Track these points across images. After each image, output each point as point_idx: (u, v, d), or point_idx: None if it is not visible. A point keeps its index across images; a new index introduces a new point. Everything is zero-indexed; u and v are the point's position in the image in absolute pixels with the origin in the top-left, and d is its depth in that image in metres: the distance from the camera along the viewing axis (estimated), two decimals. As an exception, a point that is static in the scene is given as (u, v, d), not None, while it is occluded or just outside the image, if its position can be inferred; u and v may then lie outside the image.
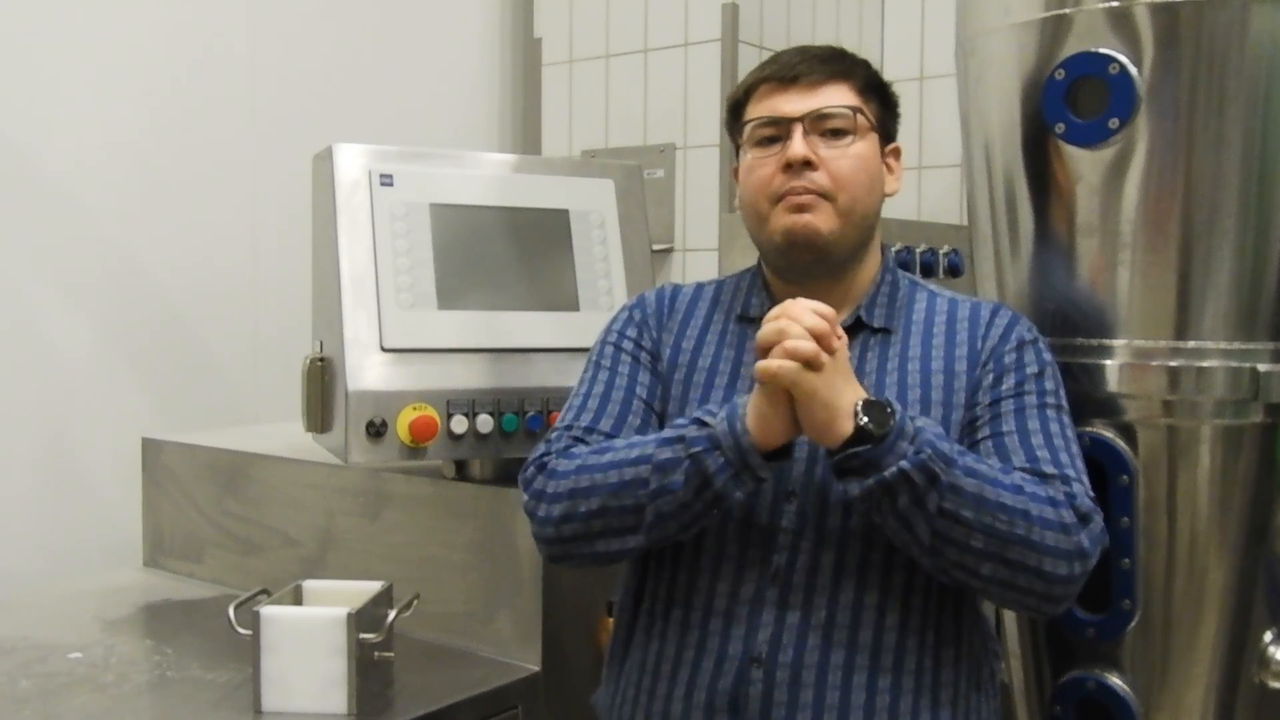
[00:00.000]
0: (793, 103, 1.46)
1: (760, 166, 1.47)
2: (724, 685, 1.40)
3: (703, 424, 1.33)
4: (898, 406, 1.30)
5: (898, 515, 1.29)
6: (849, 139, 1.46)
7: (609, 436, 1.45)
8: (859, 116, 1.46)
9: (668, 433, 1.36)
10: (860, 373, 1.44)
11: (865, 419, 1.28)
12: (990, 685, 1.49)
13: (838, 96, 1.46)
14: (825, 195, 1.44)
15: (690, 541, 1.45)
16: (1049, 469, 1.36)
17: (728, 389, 1.48)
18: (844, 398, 1.29)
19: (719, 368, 1.51)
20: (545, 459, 1.43)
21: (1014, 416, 1.40)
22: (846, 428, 1.28)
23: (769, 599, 1.40)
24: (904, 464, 1.26)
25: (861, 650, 1.38)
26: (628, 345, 1.55)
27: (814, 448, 1.41)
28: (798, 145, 1.44)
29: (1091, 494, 1.37)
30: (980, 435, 1.41)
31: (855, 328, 1.48)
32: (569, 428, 1.47)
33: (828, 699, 1.37)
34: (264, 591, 1.66)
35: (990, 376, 1.43)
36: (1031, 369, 1.44)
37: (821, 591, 1.39)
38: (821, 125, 1.45)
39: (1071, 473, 1.37)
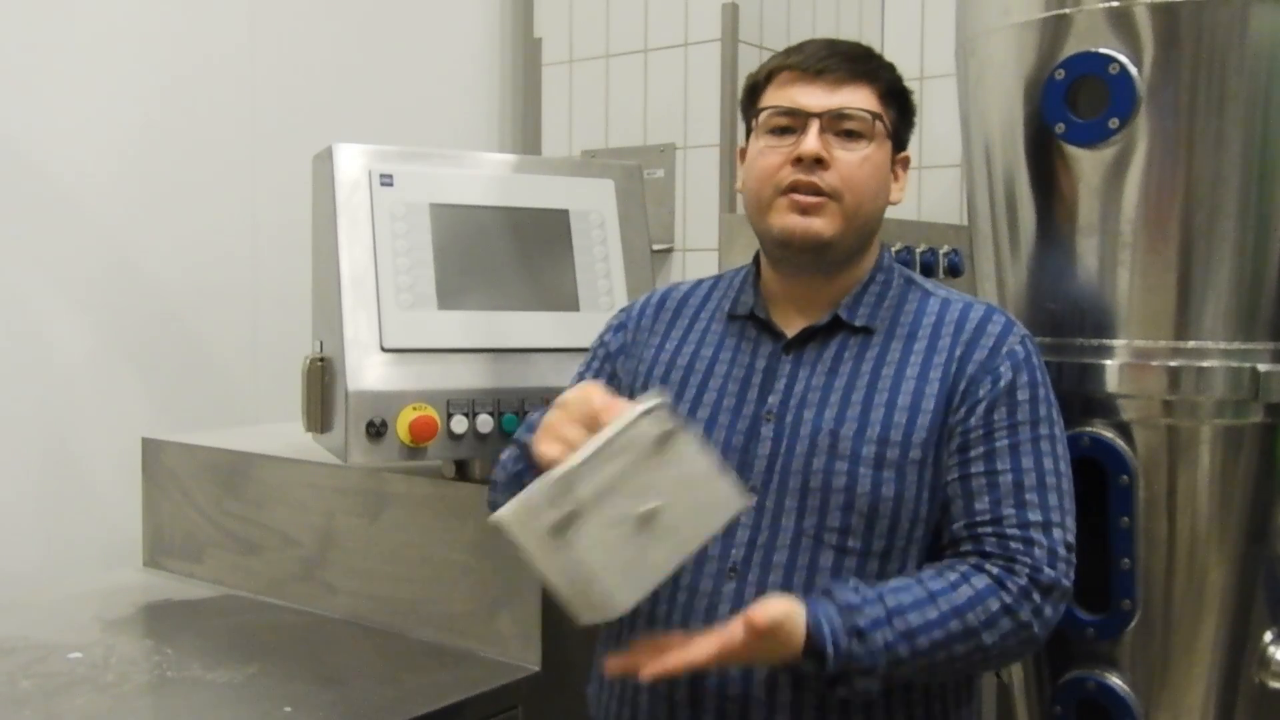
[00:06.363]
0: (813, 97, 1.44)
1: (770, 154, 1.45)
2: (708, 681, 1.40)
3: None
4: (829, 654, 1.28)
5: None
6: (864, 143, 1.43)
7: None
8: (878, 123, 1.44)
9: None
10: (835, 373, 1.44)
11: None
12: (961, 696, 1.46)
13: (859, 98, 1.44)
14: (832, 195, 1.42)
15: None
16: (1034, 516, 1.35)
17: (699, 387, 1.50)
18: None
19: (695, 366, 1.52)
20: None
21: (1009, 454, 1.38)
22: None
23: (726, 594, 1.40)
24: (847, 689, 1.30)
25: None
26: (597, 360, 1.62)
27: (776, 445, 1.42)
28: (811, 141, 1.41)
29: (1070, 540, 1.37)
30: (974, 470, 1.38)
31: (834, 326, 1.47)
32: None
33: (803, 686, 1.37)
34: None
35: (984, 403, 1.39)
36: (1024, 394, 1.40)
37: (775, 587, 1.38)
38: (839, 125, 1.43)
39: (1055, 516, 1.37)
